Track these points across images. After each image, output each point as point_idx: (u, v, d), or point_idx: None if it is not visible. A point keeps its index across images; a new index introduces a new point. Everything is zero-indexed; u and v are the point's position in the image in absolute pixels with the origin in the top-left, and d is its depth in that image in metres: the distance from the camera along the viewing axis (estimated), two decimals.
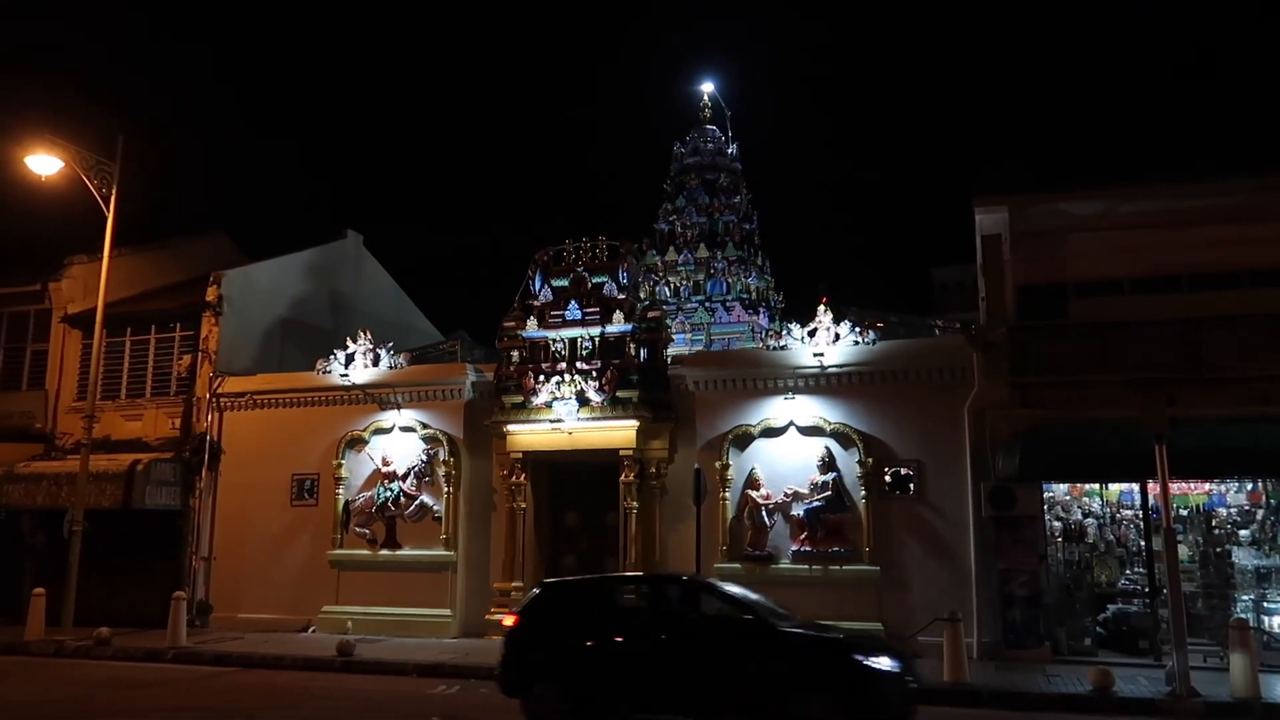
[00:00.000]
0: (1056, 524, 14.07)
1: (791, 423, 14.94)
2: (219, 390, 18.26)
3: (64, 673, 13.42)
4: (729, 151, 22.20)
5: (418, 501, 16.64)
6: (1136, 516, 13.88)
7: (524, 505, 15.80)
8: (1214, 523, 13.66)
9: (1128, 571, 13.98)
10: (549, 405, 15.49)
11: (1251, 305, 13.13)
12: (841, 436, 14.67)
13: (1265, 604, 12.79)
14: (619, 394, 15.25)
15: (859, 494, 14.42)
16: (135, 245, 20.89)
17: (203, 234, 22.94)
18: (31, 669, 13.70)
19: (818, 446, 14.74)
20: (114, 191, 16.76)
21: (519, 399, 15.81)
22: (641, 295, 16.94)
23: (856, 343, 14.75)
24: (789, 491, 14.74)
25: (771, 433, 15.01)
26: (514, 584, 15.61)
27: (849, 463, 14.56)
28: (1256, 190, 13.57)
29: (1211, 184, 13.75)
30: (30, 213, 21.39)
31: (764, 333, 18.86)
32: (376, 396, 17.25)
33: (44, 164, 16.35)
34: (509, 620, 10.35)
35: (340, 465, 17.15)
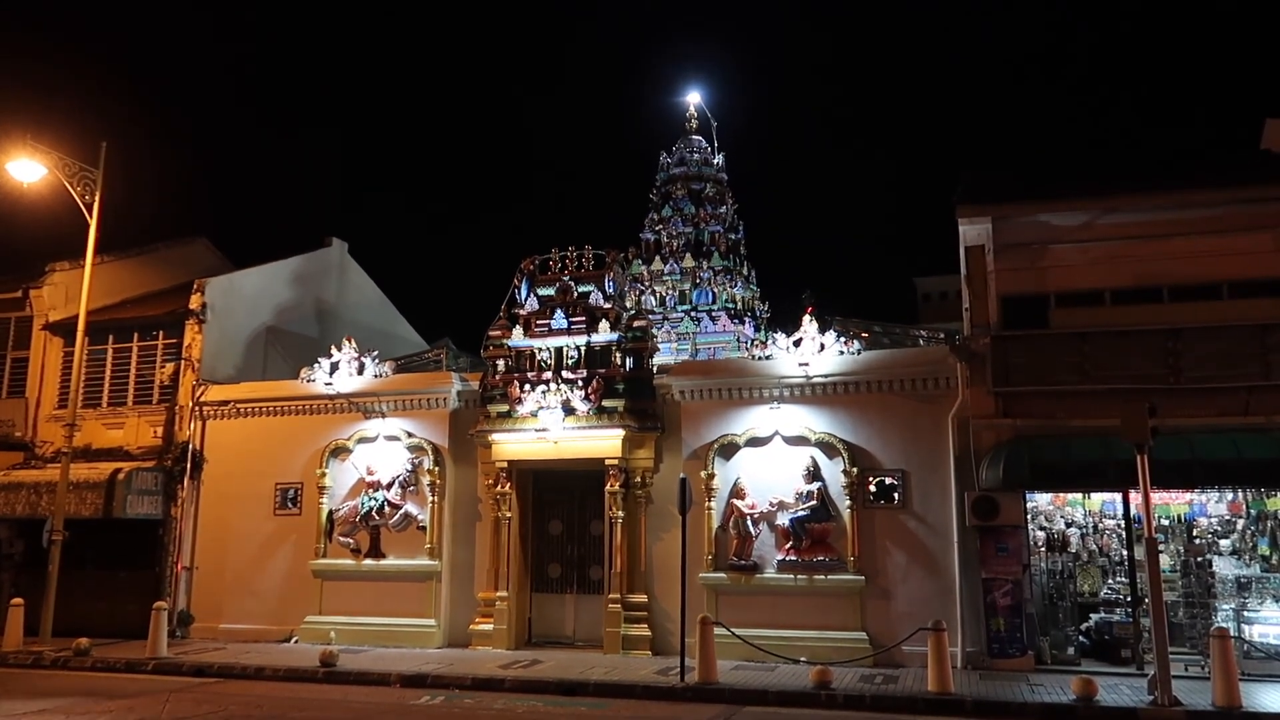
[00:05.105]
0: (1040, 533, 14.14)
1: (777, 432, 14.96)
2: (202, 399, 18.13)
3: (42, 684, 13.26)
4: (715, 162, 22.30)
5: (402, 511, 16.56)
6: (1119, 526, 13.97)
7: (509, 514, 15.75)
8: (1195, 532, 13.76)
9: (1110, 581, 14.07)
10: (534, 414, 15.46)
11: (1231, 316, 13.25)
12: (827, 446, 14.70)
13: (1246, 613, 12.86)
14: (605, 403, 15.24)
15: (844, 503, 14.44)
16: (118, 252, 20.76)
17: (186, 241, 22.78)
18: (8, 680, 13.53)
19: (803, 456, 14.76)
20: (97, 198, 16.66)
21: (504, 408, 15.78)
22: (628, 304, 16.96)
23: (841, 353, 14.80)
24: (774, 501, 14.75)
25: (757, 442, 15.03)
26: (499, 594, 15.56)
27: (834, 472, 14.59)
28: (1236, 202, 13.69)
29: (1190, 195, 13.86)
30: (11, 219, 21.25)
31: (749, 342, 18.94)
32: (361, 405, 17.18)
33: (27, 170, 16.25)
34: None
35: (324, 474, 17.05)
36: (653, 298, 20.60)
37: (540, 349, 15.88)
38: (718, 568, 14.76)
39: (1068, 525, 14.33)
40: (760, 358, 15.28)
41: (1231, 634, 11.26)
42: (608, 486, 15.20)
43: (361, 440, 17.06)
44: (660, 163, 22.31)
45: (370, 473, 16.85)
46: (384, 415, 17.01)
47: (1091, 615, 13.91)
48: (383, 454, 16.89)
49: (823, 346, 14.85)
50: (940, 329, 17.22)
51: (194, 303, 18.47)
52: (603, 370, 15.43)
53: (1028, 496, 13.73)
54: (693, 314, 20.19)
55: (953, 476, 14.01)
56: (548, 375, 15.66)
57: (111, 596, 17.44)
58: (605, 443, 15.18)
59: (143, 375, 18.76)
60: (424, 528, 16.35)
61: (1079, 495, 14.25)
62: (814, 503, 14.54)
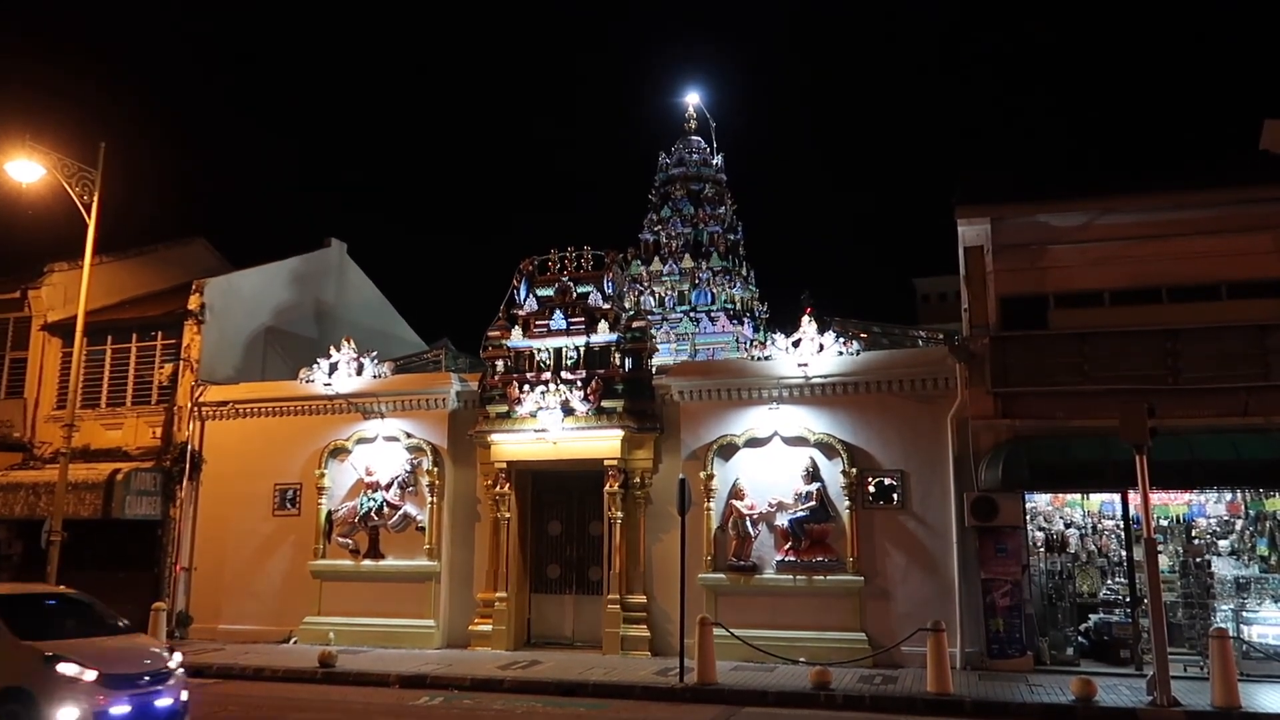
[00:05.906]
0: (1039, 534, 14.15)
1: (776, 433, 14.96)
2: (201, 399, 18.12)
3: None
4: (714, 162, 22.29)
5: (401, 511, 16.55)
6: (1117, 526, 13.98)
7: (508, 515, 15.74)
8: (1194, 533, 13.77)
9: (1109, 581, 14.07)
10: (534, 415, 15.46)
11: (1230, 316, 13.26)
12: (826, 447, 14.69)
13: (1244, 613, 12.87)
14: (604, 404, 15.24)
15: (843, 504, 14.44)
16: (117, 253, 20.77)
17: (185, 242, 22.79)
18: None
19: (802, 457, 14.76)
20: (96, 199, 16.63)
21: (504, 408, 15.77)
22: (626, 305, 16.96)
23: (840, 353, 14.80)
24: (773, 501, 14.74)
25: (756, 443, 15.02)
26: (498, 594, 15.55)
27: (833, 473, 14.59)
28: (1234, 202, 13.70)
29: (1189, 196, 13.87)
30: (10, 220, 21.23)
31: (748, 343, 18.92)
32: (360, 406, 17.17)
33: (25, 170, 16.21)
34: None
35: (323, 475, 17.04)
36: (652, 298, 20.59)
37: (539, 349, 15.88)
38: (717, 568, 14.75)
39: (1067, 526, 14.33)
40: (759, 358, 15.28)
41: (1230, 634, 11.27)
42: (607, 487, 15.20)
43: (360, 441, 17.05)
44: (659, 163, 22.31)
45: (369, 473, 16.85)
46: (383, 416, 17.00)
47: (1090, 616, 13.91)
48: (382, 454, 16.89)
49: (822, 347, 14.86)
50: (939, 330, 17.22)
51: (193, 303, 18.47)
52: (602, 371, 15.43)
53: (1027, 497, 13.74)
54: (692, 314, 20.19)
55: (952, 477, 14.02)
56: (547, 376, 15.66)
57: (110, 597, 17.23)
58: (604, 443, 15.18)
59: (141, 376, 18.76)
60: (423, 528, 16.35)
61: (1078, 496, 14.26)
62: (813, 503, 14.53)
